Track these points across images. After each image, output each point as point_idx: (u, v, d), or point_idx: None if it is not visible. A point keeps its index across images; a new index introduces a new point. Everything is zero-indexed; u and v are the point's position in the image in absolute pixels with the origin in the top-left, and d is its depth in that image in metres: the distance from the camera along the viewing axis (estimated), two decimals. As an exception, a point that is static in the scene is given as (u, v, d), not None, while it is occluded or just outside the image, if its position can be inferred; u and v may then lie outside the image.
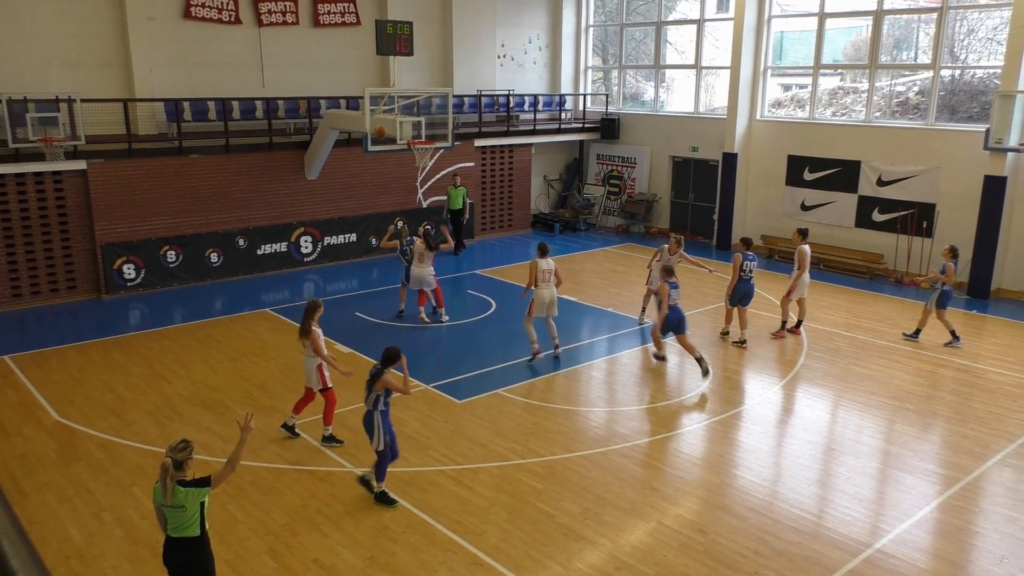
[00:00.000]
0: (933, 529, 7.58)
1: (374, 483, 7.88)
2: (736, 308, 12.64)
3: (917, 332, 12.82)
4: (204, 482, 5.42)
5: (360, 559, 6.97)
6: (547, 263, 11.52)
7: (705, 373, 11.08)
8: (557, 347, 11.87)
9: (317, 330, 8.87)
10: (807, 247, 12.95)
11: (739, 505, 7.93)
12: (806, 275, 12.83)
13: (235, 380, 11.10)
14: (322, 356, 8.89)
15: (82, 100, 14.07)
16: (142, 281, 15.50)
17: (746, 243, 12.74)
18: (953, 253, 12.42)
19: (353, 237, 18.09)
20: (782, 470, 8.82)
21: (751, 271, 12.48)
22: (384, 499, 7.82)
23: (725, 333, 12.91)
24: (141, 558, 6.96)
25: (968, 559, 7.10)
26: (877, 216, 17.29)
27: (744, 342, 12.51)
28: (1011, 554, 7.10)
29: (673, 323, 11.27)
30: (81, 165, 14.54)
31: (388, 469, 7.85)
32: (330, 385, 9.07)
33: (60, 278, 14.84)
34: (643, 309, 13.71)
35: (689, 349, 11.28)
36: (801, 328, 13.17)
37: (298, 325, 9.05)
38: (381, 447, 7.66)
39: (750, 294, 12.59)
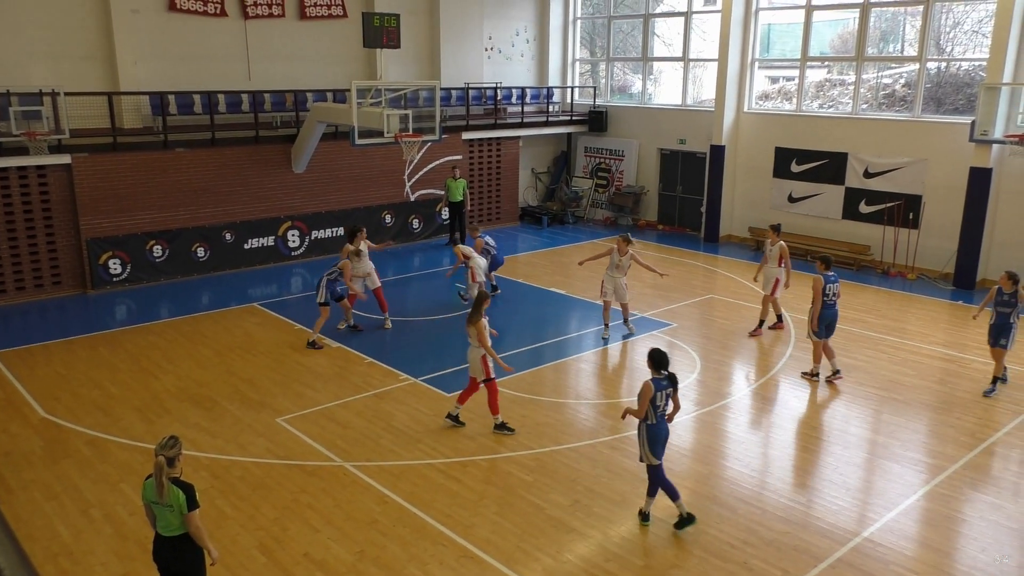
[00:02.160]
0: (920, 517, 7.65)
1: (685, 511, 7.41)
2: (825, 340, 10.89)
3: None
4: (192, 499, 5.36)
5: (350, 553, 6.97)
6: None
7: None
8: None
9: (484, 321, 8.93)
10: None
11: (728, 496, 7.97)
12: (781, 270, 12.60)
13: (223, 375, 11.05)
14: (485, 347, 8.94)
15: (66, 93, 13.92)
16: (128, 276, 15.38)
17: (826, 262, 10.82)
18: None
19: (341, 231, 18.00)
20: (770, 460, 8.88)
21: (835, 294, 10.81)
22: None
23: (815, 375, 10.98)
24: (130, 555, 6.92)
25: (954, 546, 7.17)
26: (864, 208, 17.38)
27: (838, 372, 10.96)
28: (996, 541, 7.18)
29: None
30: (65, 159, 14.40)
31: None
32: (493, 376, 9.12)
33: (45, 273, 14.71)
34: (606, 324, 12.71)
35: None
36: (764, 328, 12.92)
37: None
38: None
39: (836, 319, 10.95)
